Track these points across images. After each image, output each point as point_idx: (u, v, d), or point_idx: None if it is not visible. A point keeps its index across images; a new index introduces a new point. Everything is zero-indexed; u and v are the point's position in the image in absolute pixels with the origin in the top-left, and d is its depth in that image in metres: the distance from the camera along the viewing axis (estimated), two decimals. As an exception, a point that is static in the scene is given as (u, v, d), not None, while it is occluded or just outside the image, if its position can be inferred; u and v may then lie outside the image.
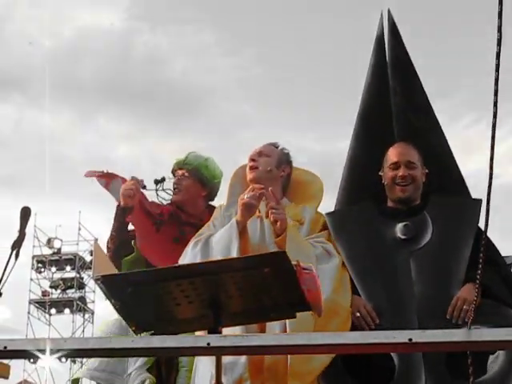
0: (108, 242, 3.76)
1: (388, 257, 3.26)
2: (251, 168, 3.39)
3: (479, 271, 1.71)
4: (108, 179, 3.98)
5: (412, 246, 3.24)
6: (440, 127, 3.52)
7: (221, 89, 30.96)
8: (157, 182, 3.91)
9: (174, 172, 3.97)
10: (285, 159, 3.45)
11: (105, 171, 4.00)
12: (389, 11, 3.67)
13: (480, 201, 3.25)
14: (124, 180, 3.89)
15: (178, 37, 30.99)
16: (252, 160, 3.41)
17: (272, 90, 32.80)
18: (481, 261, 1.71)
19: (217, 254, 3.05)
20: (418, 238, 3.25)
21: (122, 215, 3.69)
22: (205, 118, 31.14)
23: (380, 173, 3.42)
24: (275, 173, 3.38)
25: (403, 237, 3.26)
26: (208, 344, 1.90)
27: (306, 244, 3.14)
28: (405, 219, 3.29)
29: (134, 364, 3.17)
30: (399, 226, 3.27)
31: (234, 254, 2.99)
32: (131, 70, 30.14)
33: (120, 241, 3.65)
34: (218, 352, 2.08)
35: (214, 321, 2.17)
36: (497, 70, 1.28)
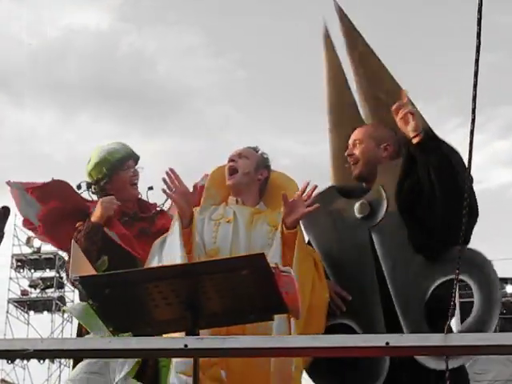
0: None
1: (350, 237, 3.29)
2: (230, 169, 3.37)
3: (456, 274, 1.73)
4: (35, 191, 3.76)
5: (370, 221, 3.24)
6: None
7: (205, 90, 30.98)
8: (89, 185, 3.77)
9: (119, 165, 3.75)
10: (263, 164, 3.44)
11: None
12: (337, 5, 3.62)
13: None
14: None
15: (163, 38, 30.99)
16: (231, 160, 3.40)
17: (256, 93, 32.87)
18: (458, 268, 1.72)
19: (167, 252, 3.09)
20: (373, 213, 3.25)
21: (96, 233, 3.51)
22: (188, 119, 31.16)
23: None
24: (253, 176, 3.37)
25: (360, 215, 3.27)
26: (185, 346, 1.89)
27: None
28: (361, 196, 3.30)
29: (120, 373, 3.07)
30: (356, 206, 3.28)
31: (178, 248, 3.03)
32: (116, 71, 30.11)
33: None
34: (195, 354, 2.08)
35: (192, 323, 2.17)
36: (475, 75, 1.29)
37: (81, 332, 3.40)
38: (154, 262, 3.13)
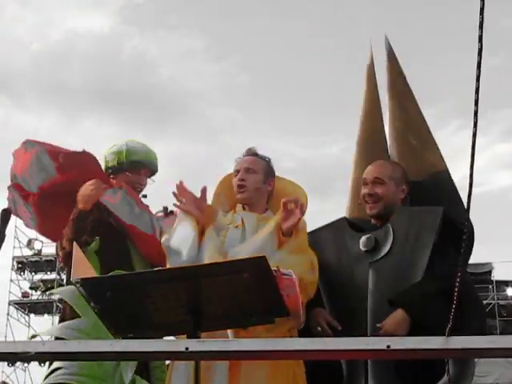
0: (63, 244, 3.51)
1: (350, 269, 3.31)
2: (240, 187, 3.37)
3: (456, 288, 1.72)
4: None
5: (371, 257, 3.28)
6: (434, 142, 3.58)
7: (207, 94, 31.00)
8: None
9: (130, 166, 3.71)
10: (270, 173, 3.45)
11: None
12: (386, 37, 3.75)
13: (439, 210, 3.27)
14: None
15: (166, 42, 31.02)
16: (241, 179, 3.38)
17: (258, 96, 32.86)
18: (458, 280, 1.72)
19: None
20: (377, 249, 3.28)
21: (83, 219, 3.49)
22: (191, 122, 31.18)
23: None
24: (263, 189, 3.39)
25: (364, 249, 3.31)
26: (186, 349, 1.89)
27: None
28: (370, 232, 3.35)
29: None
30: (362, 239, 3.33)
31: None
32: (119, 74, 30.14)
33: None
34: (196, 357, 2.07)
35: (194, 325, 2.17)
36: (477, 80, 1.29)
37: (64, 315, 3.36)
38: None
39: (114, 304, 2.18)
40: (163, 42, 31.37)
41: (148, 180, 3.80)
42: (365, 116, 3.74)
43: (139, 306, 2.21)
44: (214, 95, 30.93)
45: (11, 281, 21.58)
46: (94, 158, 3.69)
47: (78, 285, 2.16)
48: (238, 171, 3.41)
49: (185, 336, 2.22)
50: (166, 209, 3.73)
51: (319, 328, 3.16)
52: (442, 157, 3.56)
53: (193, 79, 31.91)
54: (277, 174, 3.50)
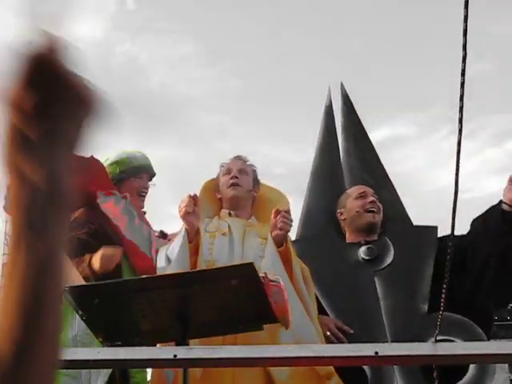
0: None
1: (352, 276, 3.36)
2: (234, 184, 3.35)
3: (444, 286, 1.72)
4: None
5: (375, 266, 3.37)
6: (390, 181, 3.85)
7: (198, 100, 30.96)
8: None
9: (134, 172, 3.70)
10: (256, 179, 3.47)
11: None
12: (342, 84, 4.15)
13: (436, 227, 3.46)
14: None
15: (157, 48, 31.02)
16: (235, 177, 3.36)
17: (249, 102, 32.87)
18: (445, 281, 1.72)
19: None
20: (380, 258, 3.38)
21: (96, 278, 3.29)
22: (182, 128, 31.15)
23: (340, 210, 3.60)
24: (252, 193, 3.41)
25: (367, 257, 3.39)
26: (175, 356, 1.88)
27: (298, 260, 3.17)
28: (363, 245, 3.44)
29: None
30: (362, 249, 3.42)
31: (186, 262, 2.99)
32: (110, 80, 30.11)
33: None
34: (184, 364, 2.07)
35: (182, 332, 2.16)
36: (462, 86, 1.29)
37: None
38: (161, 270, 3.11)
39: (101, 311, 2.17)
40: (155, 48, 31.40)
41: (150, 184, 3.81)
42: (322, 151, 3.99)
43: (127, 314, 2.20)
44: (206, 101, 30.91)
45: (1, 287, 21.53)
46: (102, 164, 3.63)
47: (66, 292, 2.14)
48: (229, 170, 3.40)
49: (173, 343, 2.21)
50: (161, 232, 3.74)
51: (328, 332, 3.14)
52: (397, 194, 3.80)
53: (185, 85, 31.93)
54: (268, 178, 3.55)
